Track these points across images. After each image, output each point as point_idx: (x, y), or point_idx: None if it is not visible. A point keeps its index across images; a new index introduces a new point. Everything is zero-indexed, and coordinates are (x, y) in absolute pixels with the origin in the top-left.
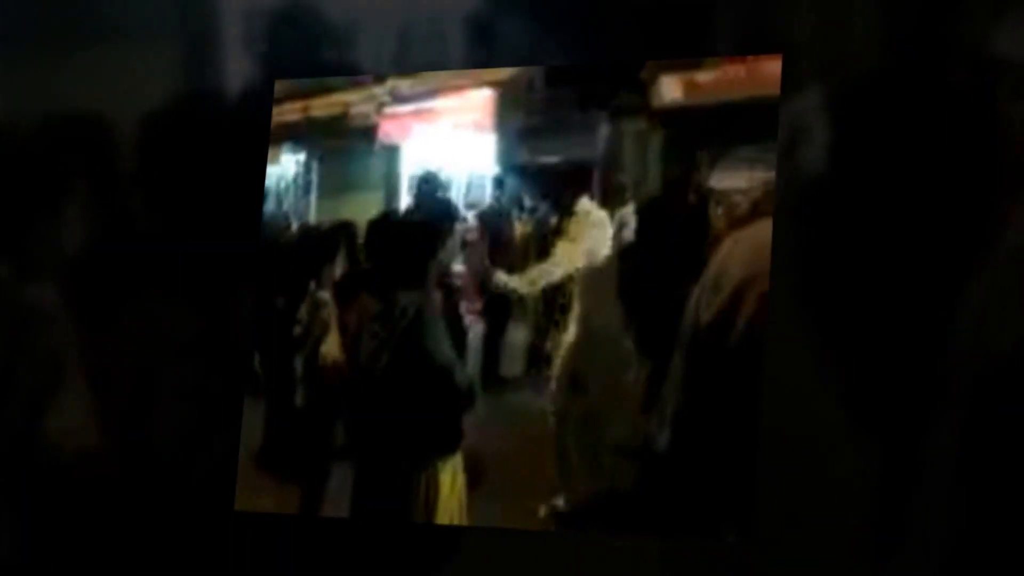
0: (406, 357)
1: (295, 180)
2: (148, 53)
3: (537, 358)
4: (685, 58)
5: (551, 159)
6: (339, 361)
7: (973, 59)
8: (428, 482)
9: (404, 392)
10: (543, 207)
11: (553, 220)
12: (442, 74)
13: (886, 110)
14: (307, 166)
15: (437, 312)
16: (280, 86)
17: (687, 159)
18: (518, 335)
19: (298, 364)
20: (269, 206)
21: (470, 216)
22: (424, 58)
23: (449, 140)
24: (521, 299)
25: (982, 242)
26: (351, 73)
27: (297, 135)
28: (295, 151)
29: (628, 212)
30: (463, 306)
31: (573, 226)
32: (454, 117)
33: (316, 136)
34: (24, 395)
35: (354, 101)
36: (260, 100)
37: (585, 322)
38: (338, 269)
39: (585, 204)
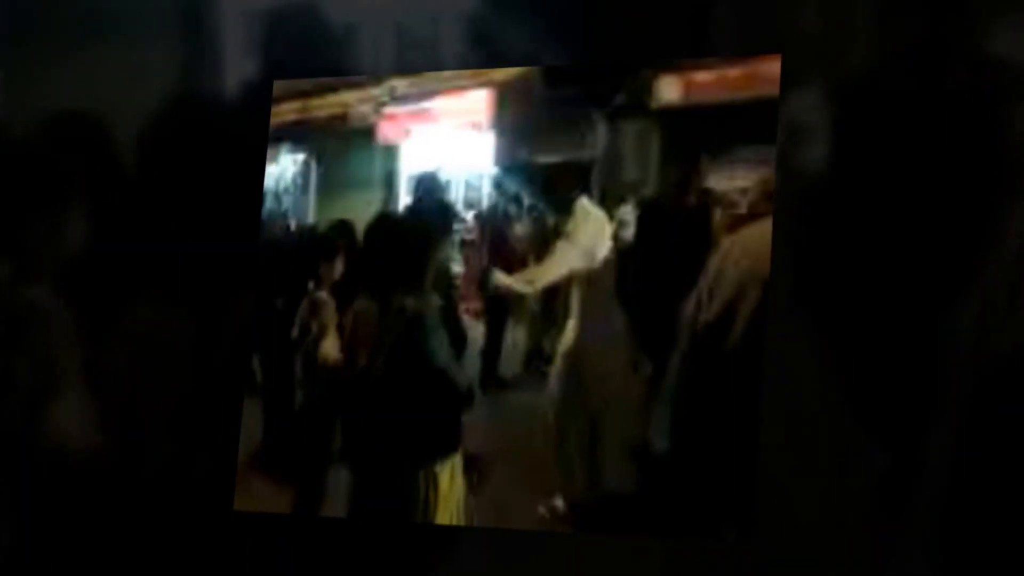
0: (405, 357)
1: (294, 180)
2: (147, 53)
3: (536, 358)
4: (685, 58)
5: (550, 159)
6: (338, 361)
7: (973, 59)
8: (427, 482)
9: (403, 392)
10: (542, 207)
11: (552, 220)
12: (441, 74)
13: (886, 110)
14: (306, 166)
15: (436, 312)
16: (279, 86)
17: (686, 159)
18: (517, 335)
19: (297, 364)
20: (268, 206)
21: (469, 216)
22: (423, 58)
23: (448, 140)
24: (520, 299)
25: (982, 242)
26: (350, 73)
27: (296, 135)
28: (294, 151)
29: (627, 212)
30: (462, 306)
31: (572, 226)
32: (453, 117)
33: (315, 136)
34: (23, 396)
35: (353, 101)
36: (259, 100)
37: (584, 322)
38: (337, 269)
39: (584, 204)
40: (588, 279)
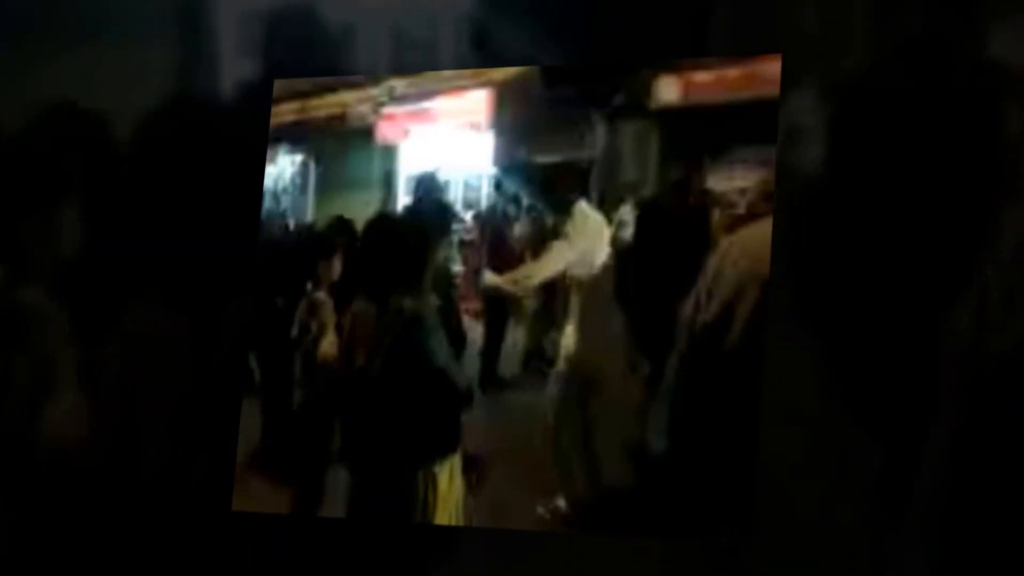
0: (404, 358)
1: (292, 180)
2: (146, 53)
3: (536, 358)
4: (684, 58)
5: (549, 159)
6: (337, 361)
7: (972, 60)
8: (426, 482)
9: (402, 393)
10: (541, 207)
11: (551, 221)
12: (440, 74)
13: (885, 111)
14: (304, 166)
15: (435, 313)
16: (279, 86)
17: (686, 160)
18: (517, 336)
19: (296, 364)
20: (266, 206)
21: (468, 216)
22: (422, 58)
23: (447, 140)
24: (519, 299)
25: (980, 243)
26: (349, 73)
27: (295, 135)
28: (293, 151)
29: (626, 213)
30: (461, 306)
31: (570, 227)
32: (452, 117)
33: (314, 136)
34: (21, 397)
35: (352, 101)
36: (259, 100)
37: (583, 322)
38: (335, 269)
39: (583, 205)
40: (587, 280)
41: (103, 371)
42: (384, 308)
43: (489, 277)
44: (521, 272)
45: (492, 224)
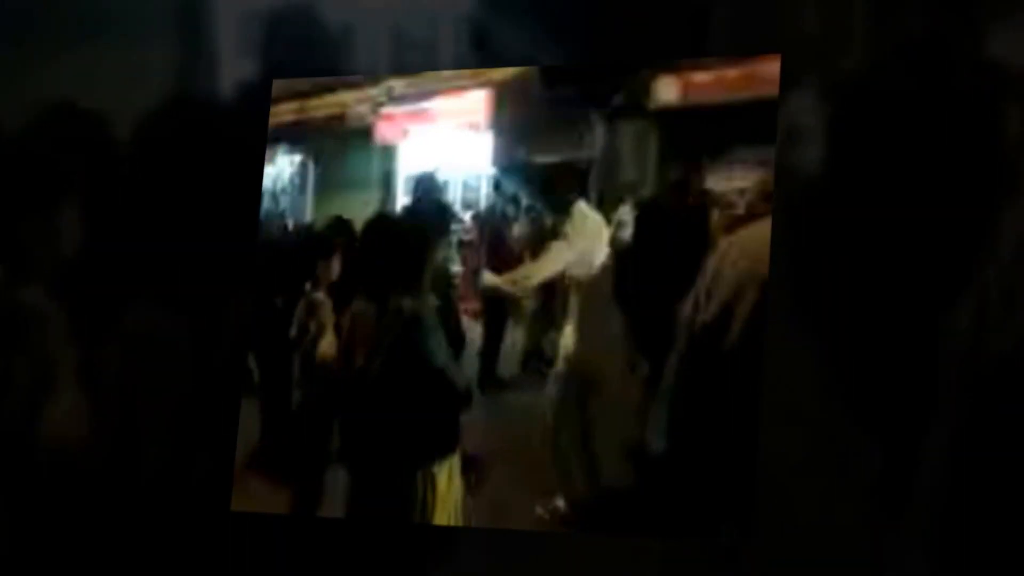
0: (403, 358)
1: (291, 180)
2: (145, 53)
3: (535, 359)
4: (683, 58)
5: (548, 160)
6: (336, 362)
7: (972, 60)
8: (425, 482)
9: (401, 393)
10: (540, 208)
11: (550, 221)
12: (439, 74)
13: (884, 111)
14: (303, 166)
15: (434, 313)
16: (278, 86)
17: (685, 160)
18: (516, 336)
19: (295, 365)
20: (265, 206)
21: (467, 217)
22: (421, 58)
23: (446, 140)
24: (518, 300)
25: (980, 243)
26: (348, 73)
27: (294, 135)
28: (292, 151)
29: (625, 213)
30: (460, 307)
31: (569, 227)
32: (451, 117)
33: (313, 136)
34: (20, 397)
35: (351, 101)
36: (258, 100)
37: (583, 322)
38: (334, 270)
39: (582, 205)
40: (586, 280)
41: (103, 371)
42: (383, 308)
43: (488, 277)
44: (520, 272)
45: (491, 224)
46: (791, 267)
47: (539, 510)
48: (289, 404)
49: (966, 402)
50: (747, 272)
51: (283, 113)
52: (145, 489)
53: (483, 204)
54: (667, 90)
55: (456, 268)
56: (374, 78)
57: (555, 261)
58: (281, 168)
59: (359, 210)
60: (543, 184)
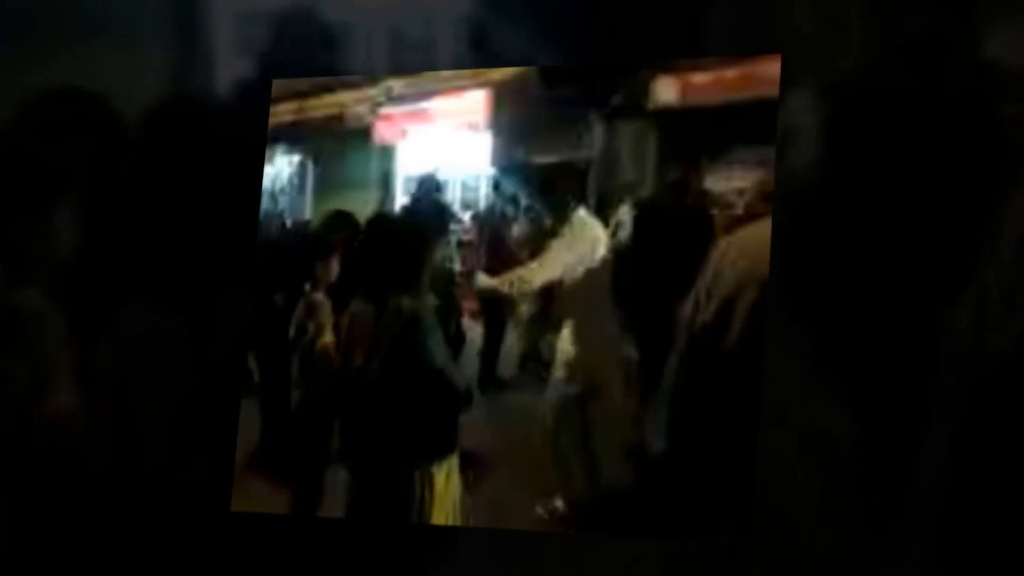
0: (402, 358)
1: (290, 181)
2: (145, 53)
3: (534, 359)
4: (682, 59)
5: (547, 160)
6: (335, 361)
7: (971, 60)
8: (424, 482)
9: (401, 393)
10: (539, 208)
11: (549, 221)
12: (438, 75)
13: (884, 111)
14: (302, 167)
15: (433, 313)
16: (277, 86)
17: (684, 160)
18: (515, 336)
19: (294, 365)
20: (264, 206)
21: (466, 217)
22: (420, 58)
23: (445, 141)
24: (517, 300)
25: (979, 243)
26: (346, 73)
27: (293, 135)
28: (291, 151)
29: (624, 213)
30: (459, 307)
31: (568, 228)
32: (450, 118)
33: (311, 137)
34: (19, 397)
35: (349, 102)
36: (257, 100)
37: (582, 323)
38: (333, 270)
39: (581, 213)
40: (585, 280)
41: (102, 372)
42: (382, 308)
43: (483, 279)
44: (516, 274)
45: (490, 224)
46: (791, 267)
47: (539, 510)
48: (289, 404)
49: (966, 402)
50: (747, 272)
51: (282, 113)
52: (145, 489)
53: (482, 204)
54: (666, 90)
55: (455, 268)
56: (373, 78)
57: (554, 263)
58: (280, 168)
59: (358, 210)
60: (542, 184)
